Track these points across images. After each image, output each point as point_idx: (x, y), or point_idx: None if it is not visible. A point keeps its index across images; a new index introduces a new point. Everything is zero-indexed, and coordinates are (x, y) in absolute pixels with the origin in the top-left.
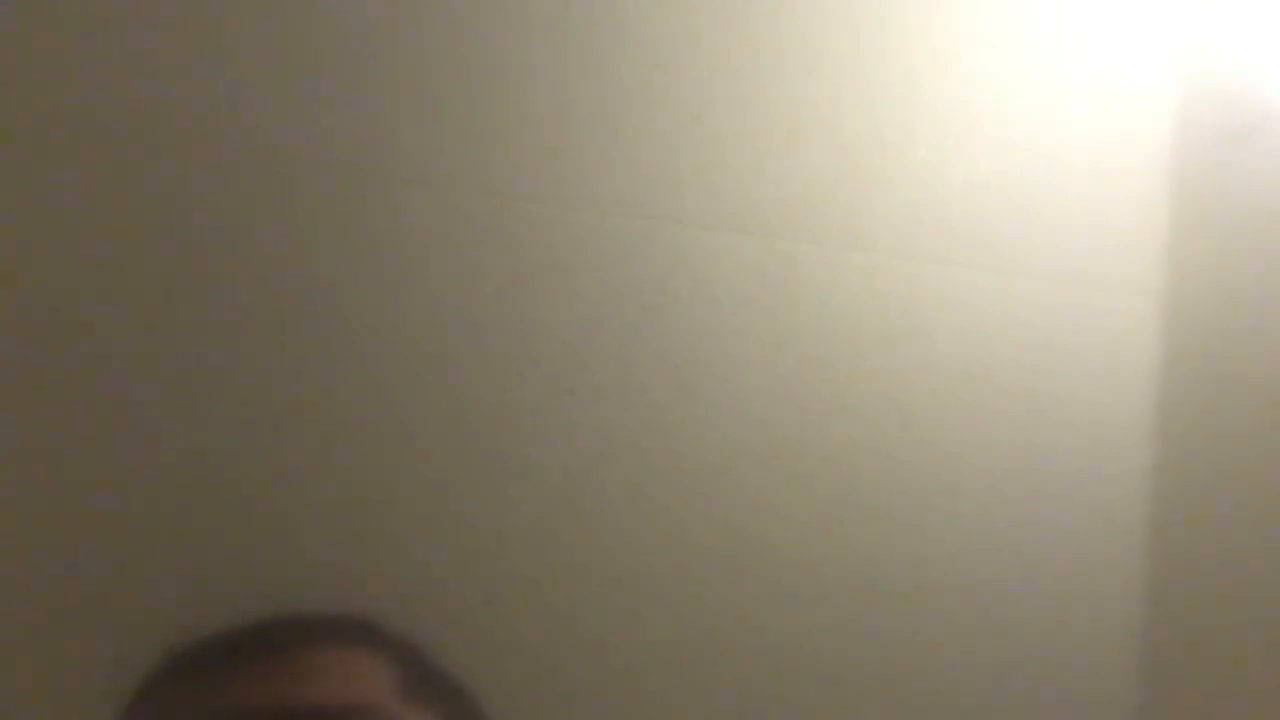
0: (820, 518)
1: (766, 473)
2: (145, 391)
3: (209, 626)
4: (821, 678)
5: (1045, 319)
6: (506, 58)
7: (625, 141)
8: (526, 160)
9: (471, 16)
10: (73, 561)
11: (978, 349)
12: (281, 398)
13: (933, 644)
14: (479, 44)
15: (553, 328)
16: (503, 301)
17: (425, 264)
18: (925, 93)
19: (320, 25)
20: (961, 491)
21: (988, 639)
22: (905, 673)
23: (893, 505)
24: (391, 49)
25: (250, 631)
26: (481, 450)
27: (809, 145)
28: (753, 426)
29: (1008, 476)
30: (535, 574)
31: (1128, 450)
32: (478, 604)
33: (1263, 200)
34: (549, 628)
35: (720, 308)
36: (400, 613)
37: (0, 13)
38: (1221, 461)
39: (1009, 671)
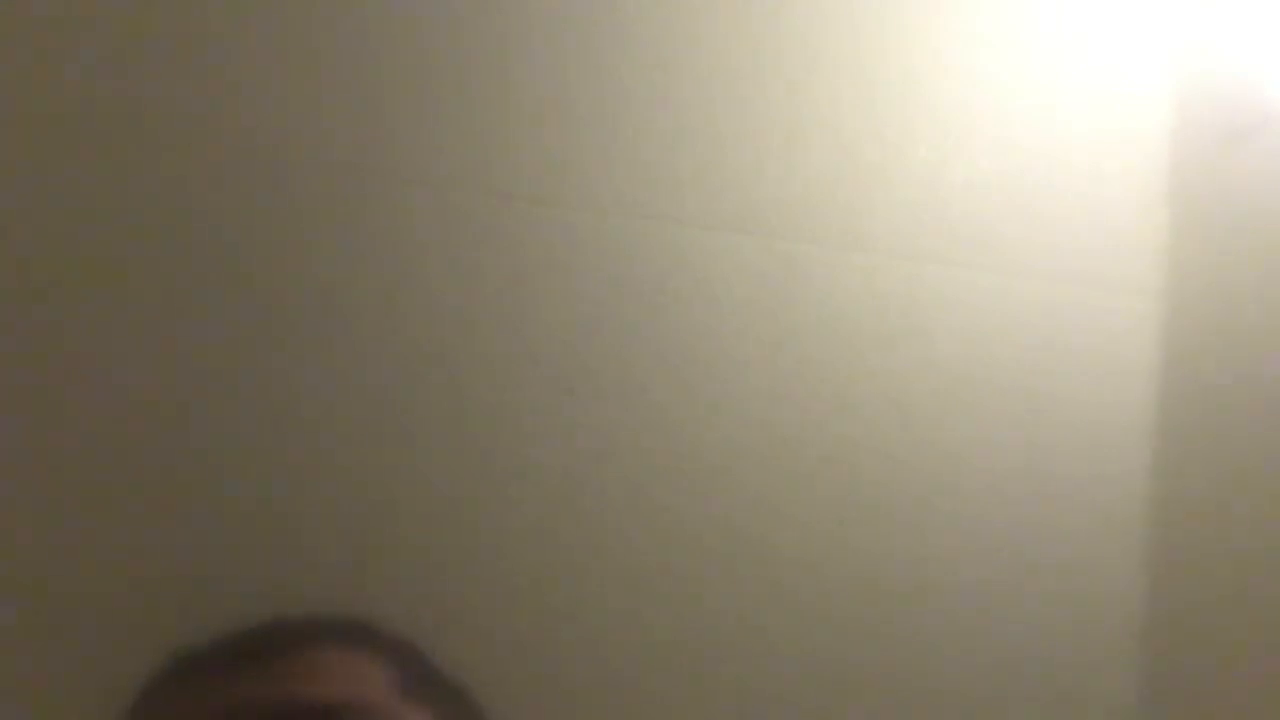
0: (820, 517)
1: (766, 473)
2: (145, 392)
3: (209, 627)
4: (821, 678)
5: (1045, 319)
6: (506, 58)
7: (625, 141)
8: (526, 160)
9: (471, 17)
10: (72, 563)
11: (978, 349)
12: (281, 398)
13: (933, 644)
14: (479, 44)
15: (553, 328)
16: (503, 301)
17: (425, 264)
18: (925, 93)
19: (320, 25)
20: (961, 491)
21: (988, 639)
22: (905, 673)
23: (893, 505)
24: (391, 49)
25: (251, 634)
26: (481, 450)
27: (809, 145)
28: (753, 426)
29: (1007, 476)
30: (535, 574)
31: (1128, 450)
32: (478, 604)
33: (1263, 200)
34: (549, 628)
35: (720, 308)
36: (400, 612)
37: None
38: (1221, 461)
39: (1009, 671)
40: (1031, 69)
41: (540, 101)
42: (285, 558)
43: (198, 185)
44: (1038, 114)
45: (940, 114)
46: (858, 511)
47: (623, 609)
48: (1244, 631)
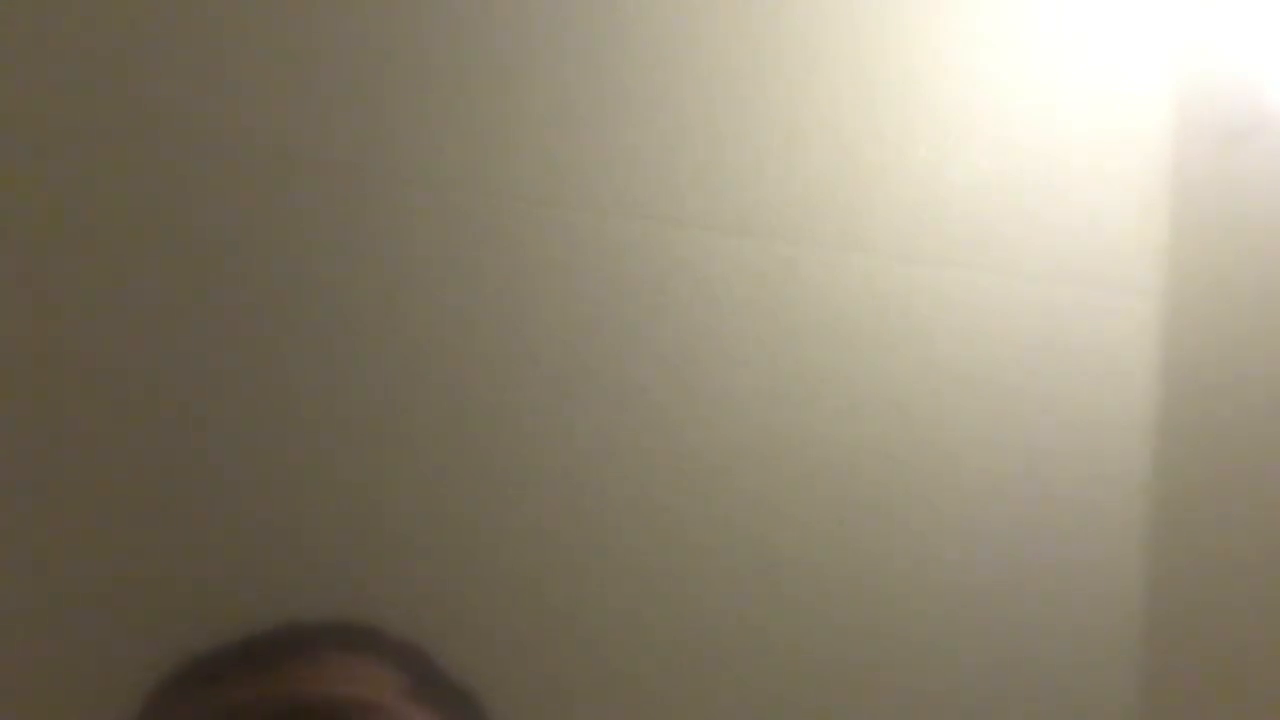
0: (820, 518)
1: (766, 473)
2: (144, 392)
3: (209, 628)
4: (821, 678)
5: (1045, 319)
6: (506, 58)
7: (625, 142)
8: (526, 161)
9: (471, 17)
10: (73, 567)
11: (978, 349)
12: (281, 398)
13: (933, 644)
14: (479, 44)
15: (553, 328)
16: (503, 301)
17: (425, 264)
18: (925, 93)
19: (320, 25)
20: (961, 491)
21: (988, 639)
22: (905, 673)
23: (893, 505)
24: (392, 49)
25: (258, 638)
26: (481, 450)
27: (809, 146)
28: (752, 427)
29: (1008, 477)
30: (535, 574)
31: (1128, 450)
32: (478, 604)
33: (1263, 200)
34: (549, 628)
35: (720, 308)
36: (400, 612)
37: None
38: (1221, 461)
39: (1009, 671)
40: (1031, 69)
41: (540, 102)
42: (284, 557)
43: (197, 185)
44: (1038, 114)
45: (940, 114)
46: (858, 512)
47: (623, 609)
48: (1244, 631)
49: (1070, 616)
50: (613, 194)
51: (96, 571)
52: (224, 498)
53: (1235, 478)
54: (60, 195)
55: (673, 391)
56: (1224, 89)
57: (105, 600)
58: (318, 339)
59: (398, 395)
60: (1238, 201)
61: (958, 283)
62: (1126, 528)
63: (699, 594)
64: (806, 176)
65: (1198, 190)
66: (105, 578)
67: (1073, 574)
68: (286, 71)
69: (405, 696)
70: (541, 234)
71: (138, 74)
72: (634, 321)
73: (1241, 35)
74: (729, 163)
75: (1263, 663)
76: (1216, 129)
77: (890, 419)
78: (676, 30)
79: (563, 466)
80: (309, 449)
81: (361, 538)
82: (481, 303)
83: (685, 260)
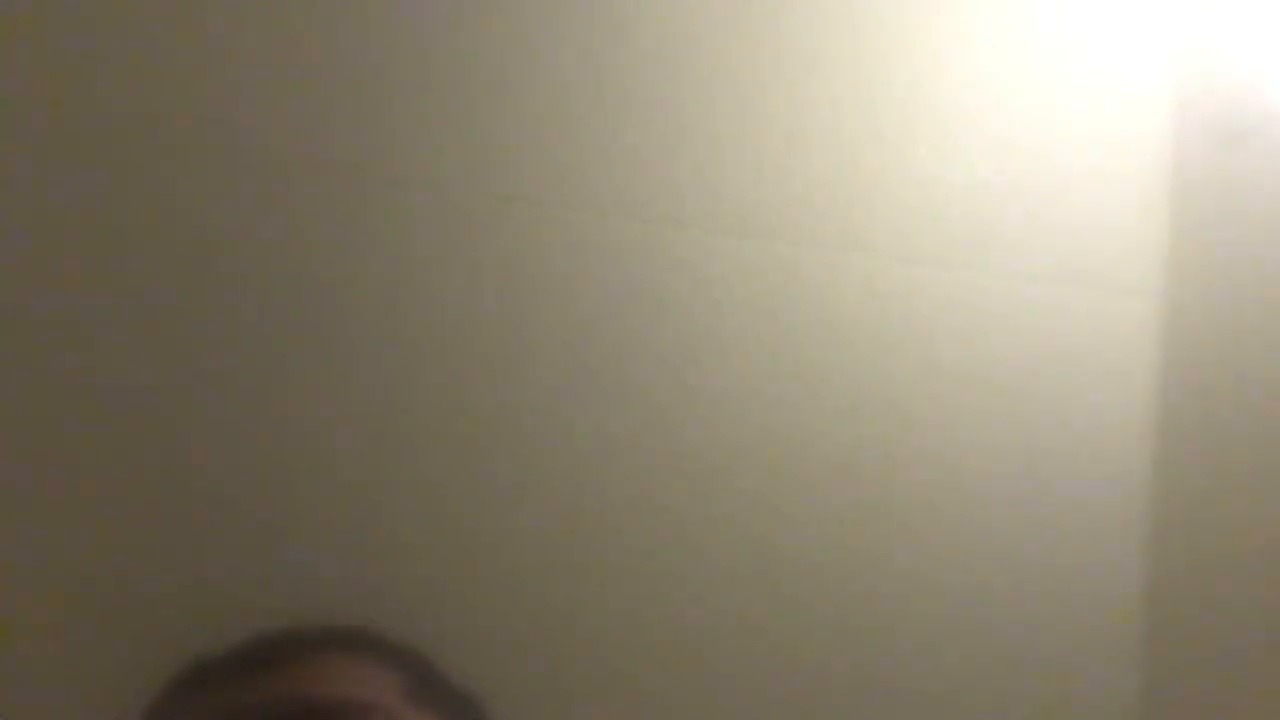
0: (820, 518)
1: (766, 473)
2: (144, 393)
3: (209, 630)
4: (822, 678)
5: (1045, 321)
6: (506, 58)
7: (625, 142)
8: (526, 161)
9: (471, 17)
10: (72, 569)
11: (978, 350)
12: (281, 398)
13: (933, 644)
14: (479, 44)
15: (553, 328)
16: (503, 301)
17: (425, 264)
18: (925, 93)
19: (320, 25)
20: (962, 492)
21: (988, 639)
22: (905, 673)
23: (893, 506)
24: (391, 49)
25: (260, 642)
26: (481, 450)
27: (809, 146)
28: (753, 427)
29: (1008, 478)
30: (535, 574)
31: (1128, 451)
32: (478, 604)
33: (1263, 200)
34: (549, 628)
35: (720, 309)
36: (400, 613)
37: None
38: (1221, 461)
39: (1009, 671)
40: (1031, 69)
41: (540, 102)
42: (283, 557)
43: (197, 185)
44: (1038, 114)
45: (940, 114)
46: (858, 512)
47: (623, 609)
48: (1244, 631)
49: (1070, 616)
50: (613, 194)
51: (96, 573)
52: (224, 498)
53: (1235, 478)
54: (59, 195)
55: (673, 391)
56: (1224, 89)
57: (105, 601)
58: (318, 339)
59: (398, 395)
60: (1238, 201)
61: (958, 283)
62: (1126, 528)
63: (699, 594)
64: (807, 177)
65: (1198, 190)
66: (105, 578)
67: (1073, 574)
68: (286, 72)
69: (406, 698)
70: (541, 234)
71: (137, 74)
72: (634, 321)
73: (1241, 35)
74: (729, 163)
75: (1263, 663)
76: (1216, 129)
77: (890, 419)
78: (676, 30)
79: (563, 466)
80: (309, 449)
81: (360, 537)
82: (481, 303)
83: (685, 260)
